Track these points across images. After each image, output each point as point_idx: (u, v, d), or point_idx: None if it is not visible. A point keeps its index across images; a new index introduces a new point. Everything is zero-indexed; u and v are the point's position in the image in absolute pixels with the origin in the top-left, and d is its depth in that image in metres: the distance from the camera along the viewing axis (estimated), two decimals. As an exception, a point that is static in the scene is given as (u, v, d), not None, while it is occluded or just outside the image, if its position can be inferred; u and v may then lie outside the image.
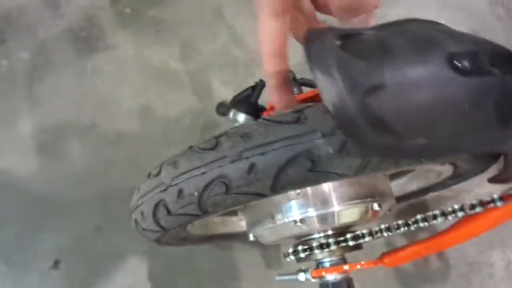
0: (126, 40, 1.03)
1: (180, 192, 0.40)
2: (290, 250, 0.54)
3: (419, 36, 0.31)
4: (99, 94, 0.98)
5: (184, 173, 0.40)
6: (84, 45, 1.02)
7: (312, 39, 0.30)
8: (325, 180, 0.38)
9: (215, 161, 0.38)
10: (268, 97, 0.40)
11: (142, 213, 0.46)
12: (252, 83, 0.73)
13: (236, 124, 0.72)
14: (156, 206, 0.43)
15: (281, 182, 0.37)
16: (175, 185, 0.41)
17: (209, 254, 0.82)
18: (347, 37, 0.30)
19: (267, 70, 0.38)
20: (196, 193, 0.39)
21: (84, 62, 1.01)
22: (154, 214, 0.44)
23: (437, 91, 0.28)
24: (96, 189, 0.88)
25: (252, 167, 0.36)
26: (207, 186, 0.38)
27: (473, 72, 0.29)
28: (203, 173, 0.39)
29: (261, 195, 0.38)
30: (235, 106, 0.71)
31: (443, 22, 1.04)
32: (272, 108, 0.64)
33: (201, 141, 0.42)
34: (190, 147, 0.43)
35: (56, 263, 0.81)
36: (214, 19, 1.05)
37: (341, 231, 0.53)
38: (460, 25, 1.00)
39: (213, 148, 0.39)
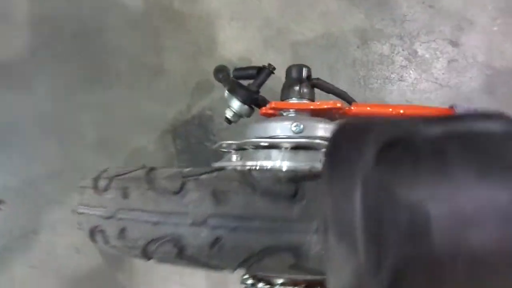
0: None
1: (123, 230, 0.31)
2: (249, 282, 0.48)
3: (493, 160, 0.21)
4: (86, 19, 0.84)
5: (133, 210, 0.31)
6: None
7: (341, 147, 0.19)
8: (310, 275, 0.30)
9: (172, 214, 0.29)
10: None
11: (80, 224, 0.38)
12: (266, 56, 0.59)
13: (228, 109, 0.61)
14: (94, 229, 0.35)
15: (250, 268, 0.28)
16: (119, 219, 0.32)
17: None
18: (395, 142, 0.19)
19: None
20: (141, 242, 0.30)
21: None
22: (92, 235, 0.36)
23: (496, 250, 0.19)
24: (60, 131, 0.78)
25: (216, 241, 0.27)
26: (156, 240, 0.30)
27: None
28: (155, 223, 0.29)
29: (220, 269, 0.30)
30: (231, 88, 0.59)
31: (495, 28, 0.85)
32: (274, 108, 0.53)
33: (166, 173, 0.32)
34: (150, 170, 0.33)
35: (-1, 204, 0.73)
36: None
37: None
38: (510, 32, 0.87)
39: (176, 193, 0.30)
